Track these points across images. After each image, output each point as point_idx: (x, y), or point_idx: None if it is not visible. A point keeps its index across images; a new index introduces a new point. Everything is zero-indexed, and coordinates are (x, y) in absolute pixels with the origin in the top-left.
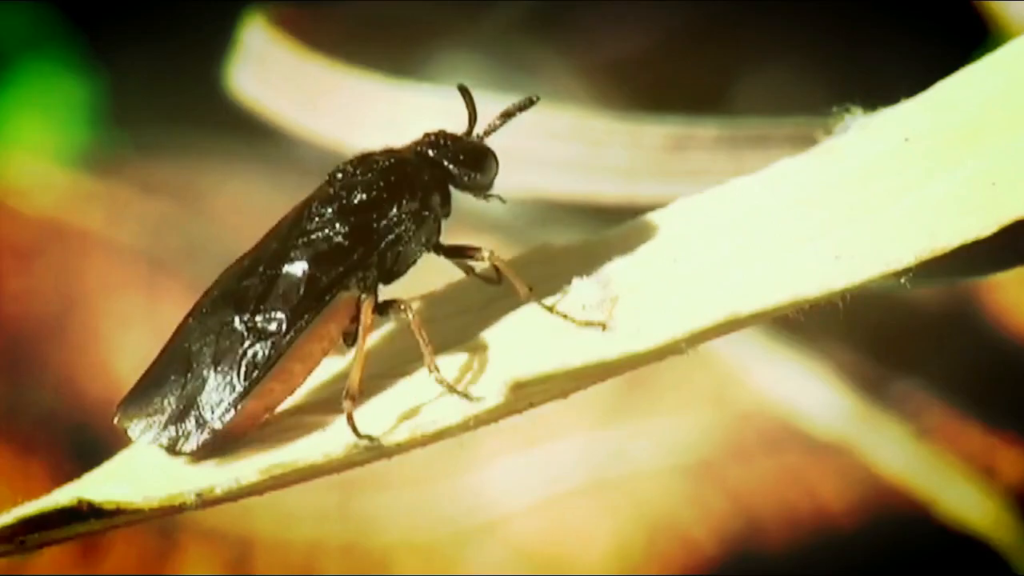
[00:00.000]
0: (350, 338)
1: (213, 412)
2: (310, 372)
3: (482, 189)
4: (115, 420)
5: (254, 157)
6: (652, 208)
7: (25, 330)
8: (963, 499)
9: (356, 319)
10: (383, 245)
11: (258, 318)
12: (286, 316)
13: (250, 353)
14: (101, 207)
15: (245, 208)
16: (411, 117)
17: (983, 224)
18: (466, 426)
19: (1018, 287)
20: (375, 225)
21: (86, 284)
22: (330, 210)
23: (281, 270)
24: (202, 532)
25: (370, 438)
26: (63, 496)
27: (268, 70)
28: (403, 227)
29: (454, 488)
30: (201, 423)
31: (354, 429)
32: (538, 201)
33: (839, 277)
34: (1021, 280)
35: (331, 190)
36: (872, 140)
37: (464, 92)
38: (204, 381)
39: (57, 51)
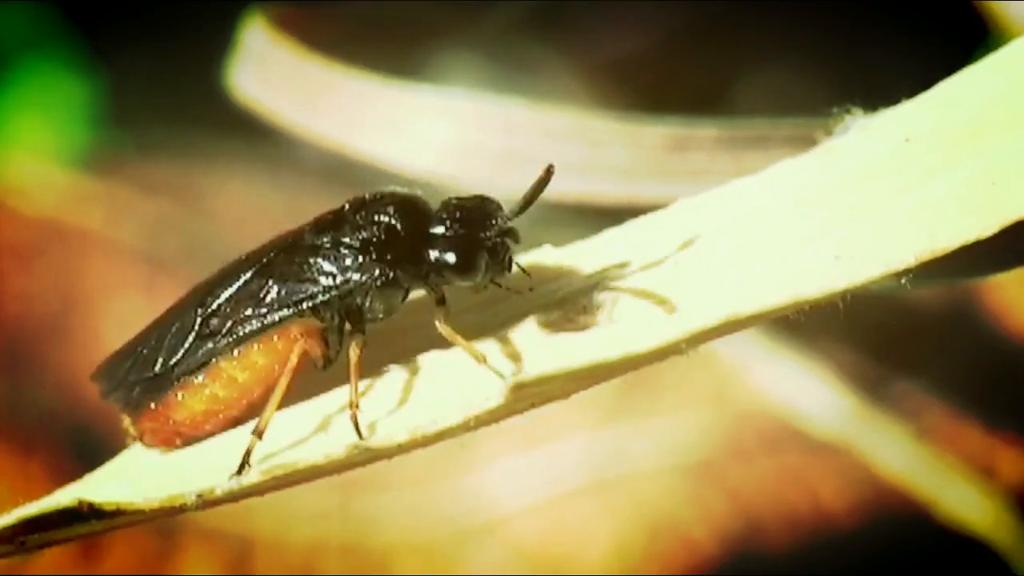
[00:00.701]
0: (325, 362)
1: (151, 394)
2: (269, 387)
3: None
4: (92, 380)
5: (254, 157)
6: (652, 208)
7: (25, 330)
8: (963, 499)
9: (323, 344)
10: (345, 291)
11: (211, 317)
12: (231, 322)
13: (193, 347)
14: (101, 207)
15: (245, 208)
16: (411, 117)
17: (983, 224)
18: (466, 426)
19: (1018, 287)
20: (342, 273)
21: (86, 284)
22: (323, 239)
23: (251, 278)
24: (202, 532)
25: (365, 444)
26: (63, 497)
27: (268, 70)
28: (367, 284)
29: (454, 488)
30: (142, 399)
31: (357, 431)
32: (538, 201)
33: (839, 277)
34: (1021, 280)
35: (334, 219)
36: (872, 140)
37: (545, 177)
38: (159, 362)
39: (57, 51)
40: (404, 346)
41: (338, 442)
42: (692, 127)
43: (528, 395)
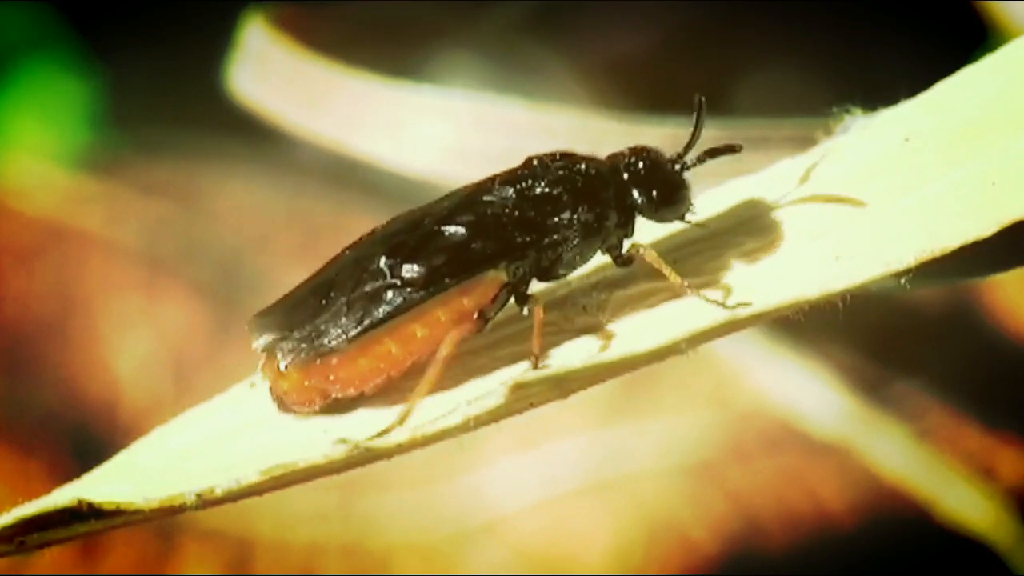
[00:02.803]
0: (485, 320)
1: (328, 337)
2: (432, 346)
3: (666, 220)
4: (247, 326)
5: (254, 157)
6: None
7: (25, 331)
8: (963, 499)
9: (495, 300)
10: (543, 243)
11: (403, 266)
12: (427, 273)
13: (383, 296)
14: (101, 208)
15: (245, 208)
16: (411, 117)
17: (983, 224)
18: (466, 426)
19: (1018, 287)
20: (543, 221)
21: (86, 284)
22: (511, 191)
23: (442, 229)
24: (202, 533)
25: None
26: (63, 496)
27: (268, 70)
28: (568, 233)
29: (454, 489)
30: (311, 343)
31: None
32: None
33: (839, 278)
34: (1021, 280)
35: (521, 172)
36: (872, 140)
37: (699, 107)
38: (334, 309)
39: (57, 51)
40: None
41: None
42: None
43: (528, 394)
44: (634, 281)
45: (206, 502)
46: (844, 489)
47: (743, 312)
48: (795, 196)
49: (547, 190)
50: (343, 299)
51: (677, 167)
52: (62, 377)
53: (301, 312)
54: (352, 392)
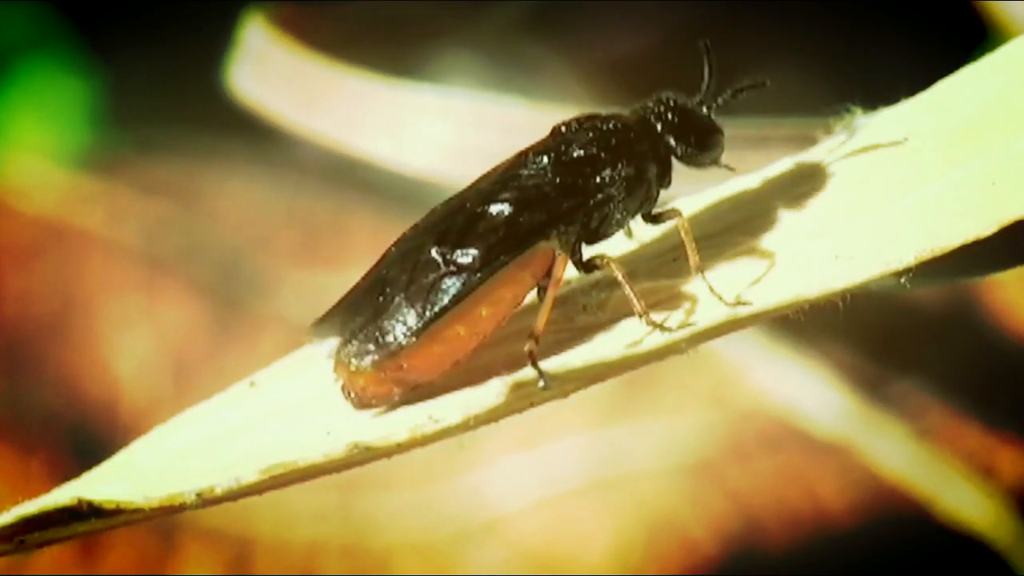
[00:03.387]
0: (543, 292)
1: (394, 334)
2: (498, 322)
3: (703, 165)
4: (308, 336)
5: (254, 157)
6: None
7: (25, 330)
8: (963, 499)
9: (551, 271)
10: (590, 204)
11: (456, 252)
12: (482, 254)
13: (441, 284)
14: (101, 207)
15: (245, 208)
16: (411, 117)
17: (983, 224)
18: (466, 426)
19: (1018, 287)
20: (586, 183)
21: (86, 284)
22: (546, 160)
23: (486, 210)
24: (202, 532)
25: (548, 379)
26: (63, 496)
27: (268, 70)
28: (613, 191)
29: (454, 488)
30: (381, 343)
31: (537, 368)
32: None
33: (839, 277)
34: (1021, 280)
35: (551, 141)
36: (872, 140)
37: (707, 51)
38: (393, 305)
39: (57, 51)
40: None
41: (338, 441)
42: None
43: (528, 394)
44: (634, 281)
45: (206, 501)
46: (844, 489)
47: (743, 312)
48: (795, 196)
49: (583, 152)
50: (401, 295)
51: (705, 110)
52: (62, 377)
53: (361, 314)
54: (427, 378)
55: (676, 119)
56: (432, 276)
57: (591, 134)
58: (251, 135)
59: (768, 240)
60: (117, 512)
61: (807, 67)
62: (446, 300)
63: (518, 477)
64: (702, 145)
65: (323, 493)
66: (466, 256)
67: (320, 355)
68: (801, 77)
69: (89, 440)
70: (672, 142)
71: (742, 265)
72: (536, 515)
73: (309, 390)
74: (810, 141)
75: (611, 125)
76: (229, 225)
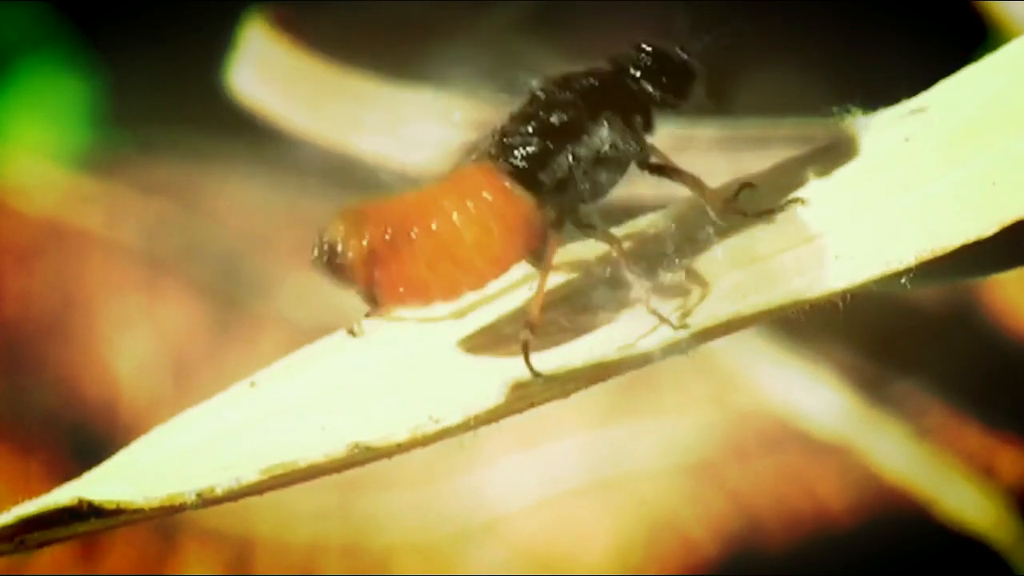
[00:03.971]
0: (537, 259)
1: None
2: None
3: (682, 108)
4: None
5: (254, 157)
6: (652, 208)
7: (25, 330)
8: (963, 499)
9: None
10: (580, 167)
11: None
12: None
13: None
14: (101, 207)
15: (245, 208)
16: (411, 117)
17: (983, 224)
18: (466, 426)
19: (1018, 287)
20: (572, 147)
21: (86, 284)
22: (529, 129)
23: None
24: (202, 532)
25: (539, 374)
26: (63, 496)
27: (268, 70)
28: (601, 150)
29: (454, 488)
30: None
31: (528, 363)
32: None
33: (839, 277)
34: (1021, 280)
35: (530, 108)
36: (872, 140)
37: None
38: None
39: (57, 51)
40: (405, 345)
41: (338, 441)
42: (692, 128)
43: (528, 394)
44: (634, 281)
45: (206, 501)
46: (844, 489)
47: (743, 312)
48: (795, 196)
49: (564, 116)
50: None
51: (685, 54)
52: (62, 377)
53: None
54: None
55: (652, 65)
56: None
57: (568, 95)
58: (251, 135)
59: (768, 240)
60: (117, 512)
61: (807, 67)
62: None
63: (518, 477)
64: (679, 89)
65: (323, 493)
66: None
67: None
68: (801, 77)
69: (89, 440)
70: (650, 88)
71: (742, 265)
72: (536, 515)
73: (309, 390)
74: (810, 141)
75: (587, 83)
76: (229, 225)
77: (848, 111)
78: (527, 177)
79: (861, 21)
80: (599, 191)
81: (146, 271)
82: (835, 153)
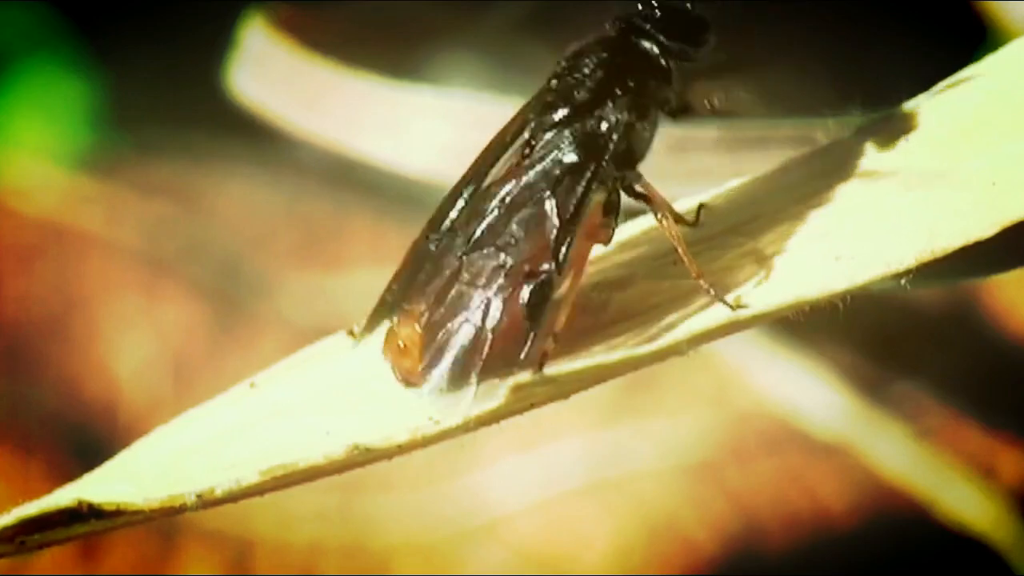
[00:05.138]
0: (611, 230)
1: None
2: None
3: (697, 60)
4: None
5: (254, 158)
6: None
7: (25, 331)
8: (963, 499)
9: (607, 213)
10: (614, 141)
11: (478, 255)
12: (509, 245)
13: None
14: (101, 208)
15: (245, 208)
16: (411, 117)
17: (983, 225)
18: (466, 426)
19: (1018, 287)
20: (601, 127)
21: (86, 285)
22: (555, 118)
23: (518, 199)
24: (202, 533)
25: (541, 375)
26: (63, 496)
27: (268, 70)
28: (629, 117)
29: (454, 489)
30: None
31: (540, 368)
32: None
33: (839, 278)
34: (1021, 280)
35: (549, 100)
36: (872, 140)
37: None
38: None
39: (57, 51)
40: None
41: (338, 443)
42: (692, 128)
43: (528, 395)
44: (634, 282)
45: (206, 502)
46: (844, 489)
47: (744, 313)
48: (795, 197)
49: (589, 95)
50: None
51: (689, 4)
52: (62, 377)
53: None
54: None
55: (659, 19)
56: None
57: (586, 71)
58: (251, 135)
59: (768, 241)
60: (118, 513)
61: (807, 67)
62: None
63: (518, 477)
64: (691, 39)
65: (323, 494)
66: (481, 262)
67: (321, 355)
68: (801, 77)
69: (89, 440)
70: (664, 41)
71: (742, 266)
72: (536, 515)
73: (309, 391)
74: (810, 141)
75: (601, 56)
76: (229, 225)
77: (848, 111)
78: (567, 176)
79: (861, 22)
80: (633, 158)
81: (146, 271)
82: (835, 153)
